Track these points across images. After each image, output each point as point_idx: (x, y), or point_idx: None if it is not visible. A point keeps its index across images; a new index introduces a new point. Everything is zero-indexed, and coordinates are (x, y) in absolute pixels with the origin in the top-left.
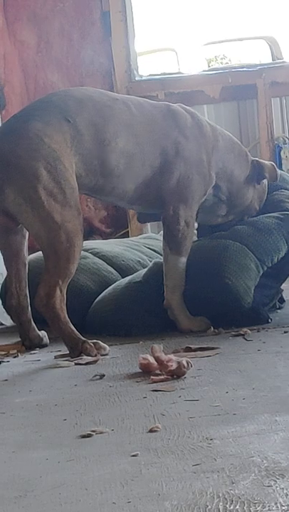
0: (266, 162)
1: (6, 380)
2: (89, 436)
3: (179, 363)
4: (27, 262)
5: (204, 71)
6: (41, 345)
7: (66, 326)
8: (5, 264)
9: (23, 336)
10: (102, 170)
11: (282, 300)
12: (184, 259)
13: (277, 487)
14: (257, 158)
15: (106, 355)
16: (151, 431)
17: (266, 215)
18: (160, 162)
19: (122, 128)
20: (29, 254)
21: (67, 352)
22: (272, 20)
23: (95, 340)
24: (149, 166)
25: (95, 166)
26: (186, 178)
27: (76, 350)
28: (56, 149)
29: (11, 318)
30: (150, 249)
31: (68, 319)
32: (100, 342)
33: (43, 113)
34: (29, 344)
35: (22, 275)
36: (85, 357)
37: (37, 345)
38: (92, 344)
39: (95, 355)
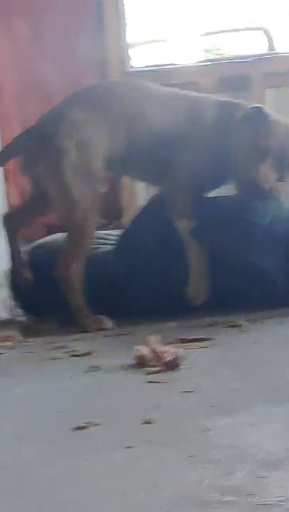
0: None
1: (1, 371)
2: (84, 428)
3: (174, 354)
4: None
5: (198, 62)
6: None
7: (78, 298)
8: None
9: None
10: (127, 157)
11: None
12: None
13: (271, 478)
14: None
15: (106, 329)
16: (146, 422)
17: None
18: (172, 149)
19: (147, 121)
20: None
21: (62, 344)
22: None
23: (99, 316)
24: (164, 153)
25: (122, 153)
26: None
27: (80, 324)
28: (89, 135)
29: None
30: None
31: (82, 294)
32: (101, 317)
33: (84, 102)
34: None
35: None
36: (79, 348)
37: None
38: (95, 319)
39: (96, 329)
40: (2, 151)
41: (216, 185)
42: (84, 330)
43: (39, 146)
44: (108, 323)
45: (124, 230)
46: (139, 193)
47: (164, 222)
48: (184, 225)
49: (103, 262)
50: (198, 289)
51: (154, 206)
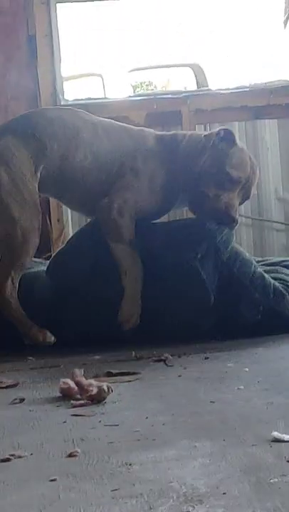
0: None
1: None
2: (8, 460)
3: (99, 387)
4: None
5: (130, 97)
6: None
7: (16, 312)
8: None
9: None
10: (61, 180)
11: None
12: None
13: None
14: None
15: (49, 343)
16: (70, 455)
17: None
18: (114, 176)
19: (82, 146)
20: None
21: None
22: (198, 48)
23: (43, 329)
24: (104, 180)
25: (56, 176)
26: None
27: (27, 336)
28: (20, 158)
29: None
30: None
31: (19, 307)
32: (47, 331)
33: (17, 127)
34: None
35: None
36: (5, 380)
37: None
38: (39, 330)
39: (41, 340)
40: None
41: (158, 211)
42: (33, 341)
43: None
44: (51, 336)
45: (56, 251)
46: (69, 227)
47: (96, 245)
48: (118, 249)
49: (32, 284)
50: (130, 313)
51: (87, 229)
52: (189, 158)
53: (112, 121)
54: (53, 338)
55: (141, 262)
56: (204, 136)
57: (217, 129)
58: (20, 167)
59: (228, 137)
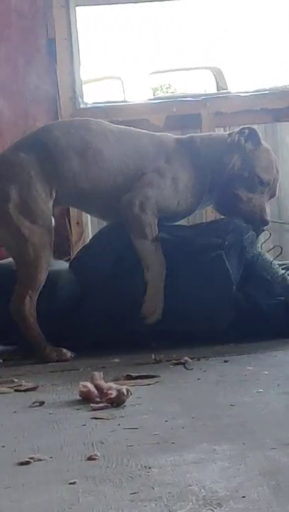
0: None
1: None
2: (27, 463)
3: (118, 391)
4: None
5: (149, 100)
6: None
7: (34, 331)
8: None
9: None
10: (76, 193)
11: None
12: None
13: None
14: None
15: (66, 360)
16: (89, 459)
17: None
18: (132, 180)
19: (93, 158)
20: None
21: (7, 378)
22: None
23: (58, 348)
24: (121, 186)
25: (70, 191)
26: None
27: (40, 354)
28: (34, 177)
29: None
30: None
31: (37, 325)
32: (62, 349)
33: (29, 146)
34: None
35: None
36: (24, 383)
37: None
38: (54, 349)
39: (56, 359)
40: None
41: (181, 212)
42: (46, 361)
43: None
44: (67, 353)
45: (78, 251)
46: (88, 229)
47: (119, 240)
48: (141, 245)
49: (55, 280)
50: (152, 307)
51: (111, 225)
52: (213, 158)
53: (130, 128)
54: (69, 354)
55: (163, 257)
56: (228, 135)
57: (239, 128)
58: (33, 187)
59: (253, 136)
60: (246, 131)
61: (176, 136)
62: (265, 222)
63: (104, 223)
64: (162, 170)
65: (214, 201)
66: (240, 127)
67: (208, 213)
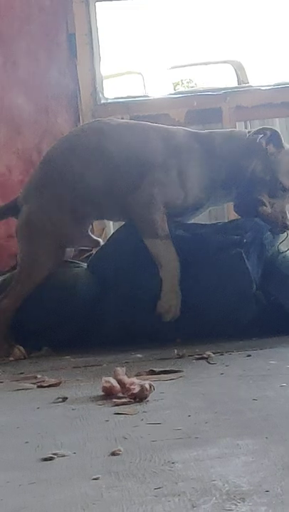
0: None
1: None
2: (50, 459)
3: (141, 386)
4: None
5: (170, 94)
6: None
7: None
8: None
9: None
10: (89, 201)
11: None
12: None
13: (238, 511)
14: None
15: (21, 358)
16: (113, 454)
17: None
18: (139, 177)
19: (97, 165)
20: None
21: (31, 374)
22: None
23: (14, 345)
24: (129, 184)
25: (84, 200)
26: None
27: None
28: (51, 202)
29: None
30: None
31: (7, 324)
32: (16, 346)
33: (42, 174)
34: None
35: None
36: (47, 379)
37: None
38: (9, 346)
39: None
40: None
41: (191, 207)
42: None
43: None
44: (16, 353)
45: (97, 249)
46: (110, 225)
47: (136, 239)
48: (152, 244)
49: (74, 281)
50: (169, 304)
51: (128, 224)
52: (230, 158)
53: (139, 123)
54: (18, 354)
55: (176, 254)
56: (248, 135)
57: (260, 128)
58: (49, 212)
59: (275, 139)
60: (268, 132)
61: (193, 131)
62: (286, 227)
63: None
64: (168, 165)
65: (232, 201)
66: (261, 127)
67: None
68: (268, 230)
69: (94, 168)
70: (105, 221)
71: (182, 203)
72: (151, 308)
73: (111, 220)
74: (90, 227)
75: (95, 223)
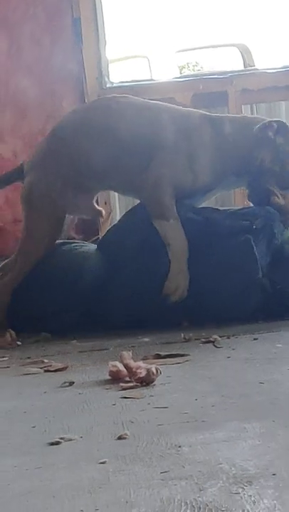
0: None
1: None
2: (57, 443)
3: (148, 370)
4: None
5: (175, 78)
6: None
7: None
8: None
9: None
10: (100, 175)
11: None
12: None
13: (245, 494)
14: None
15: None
16: (119, 438)
17: None
18: (150, 155)
19: (109, 140)
20: None
21: (37, 359)
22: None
23: (9, 330)
24: (140, 162)
25: (95, 174)
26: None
27: None
28: (51, 168)
29: None
30: None
31: (7, 299)
32: (8, 332)
33: (51, 147)
34: None
35: None
36: (54, 364)
37: None
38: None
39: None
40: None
41: (200, 190)
42: None
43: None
44: (7, 339)
45: (106, 230)
46: (116, 209)
47: (145, 221)
48: (160, 225)
49: (83, 264)
50: (175, 285)
51: (137, 206)
52: (240, 146)
53: (154, 103)
54: (9, 340)
55: (184, 235)
56: (256, 129)
57: (267, 121)
58: (45, 178)
59: (282, 130)
60: (275, 124)
61: (206, 114)
62: None
63: (132, 205)
64: (178, 147)
65: (245, 186)
66: (267, 120)
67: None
68: (279, 219)
69: (101, 145)
70: (112, 205)
71: (191, 186)
72: (158, 290)
73: (117, 192)
74: (95, 198)
75: (102, 207)
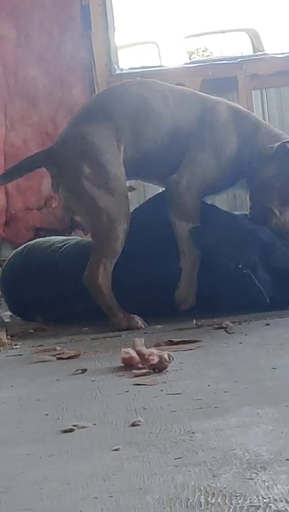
0: None
1: None
2: (71, 430)
3: (160, 356)
4: None
5: (185, 64)
6: None
7: (107, 299)
8: None
9: None
10: (137, 157)
11: None
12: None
13: (258, 479)
14: None
15: (137, 328)
16: (133, 425)
17: None
18: (184, 146)
19: (152, 118)
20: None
21: (50, 347)
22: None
23: (131, 315)
24: (176, 150)
25: (132, 154)
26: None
27: (113, 323)
28: (100, 146)
29: None
30: None
31: (111, 293)
32: (134, 317)
33: (89, 115)
34: None
35: None
36: (67, 351)
37: None
38: (125, 317)
39: (127, 327)
40: (8, 170)
41: (219, 188)
42: (116, 328)
43: (58, 169)
44: (138, 322)
45: None
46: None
47: (152, 223)
48: (181, 227)
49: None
50: (186, 294)
51: (143, 207)
52: (262, 157)
53: (186, 89)
54: (140, 323)
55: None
56: (273, 150)
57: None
58: (102, 155)
59: None
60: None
61: (235, 106)
62: None
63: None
64: (206, 143)
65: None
66: (285, 141)
67: None
68: (275, 247)
69: (143, 125)
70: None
71: (215, 183)
72: (165, 296)
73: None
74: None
75: None
